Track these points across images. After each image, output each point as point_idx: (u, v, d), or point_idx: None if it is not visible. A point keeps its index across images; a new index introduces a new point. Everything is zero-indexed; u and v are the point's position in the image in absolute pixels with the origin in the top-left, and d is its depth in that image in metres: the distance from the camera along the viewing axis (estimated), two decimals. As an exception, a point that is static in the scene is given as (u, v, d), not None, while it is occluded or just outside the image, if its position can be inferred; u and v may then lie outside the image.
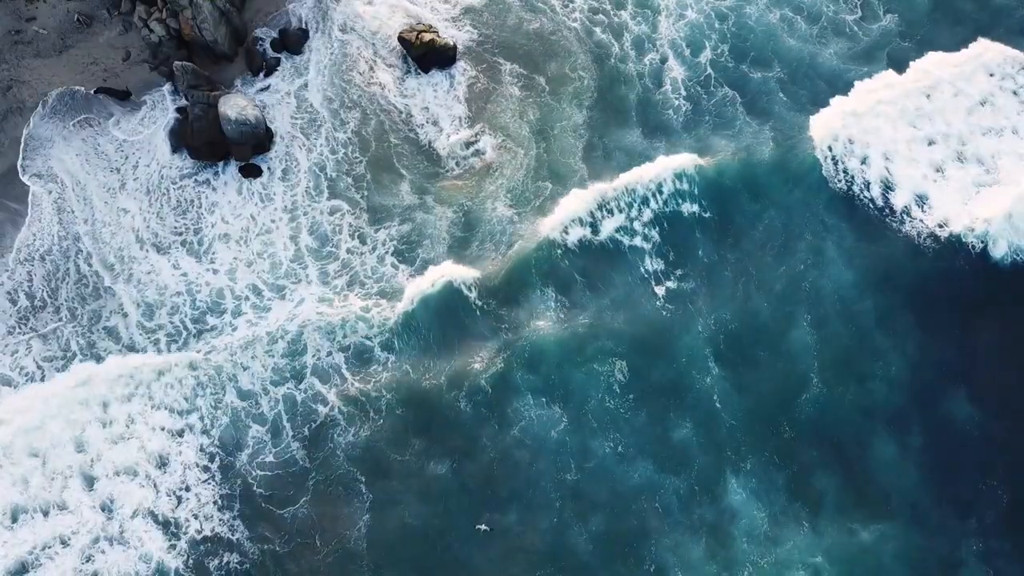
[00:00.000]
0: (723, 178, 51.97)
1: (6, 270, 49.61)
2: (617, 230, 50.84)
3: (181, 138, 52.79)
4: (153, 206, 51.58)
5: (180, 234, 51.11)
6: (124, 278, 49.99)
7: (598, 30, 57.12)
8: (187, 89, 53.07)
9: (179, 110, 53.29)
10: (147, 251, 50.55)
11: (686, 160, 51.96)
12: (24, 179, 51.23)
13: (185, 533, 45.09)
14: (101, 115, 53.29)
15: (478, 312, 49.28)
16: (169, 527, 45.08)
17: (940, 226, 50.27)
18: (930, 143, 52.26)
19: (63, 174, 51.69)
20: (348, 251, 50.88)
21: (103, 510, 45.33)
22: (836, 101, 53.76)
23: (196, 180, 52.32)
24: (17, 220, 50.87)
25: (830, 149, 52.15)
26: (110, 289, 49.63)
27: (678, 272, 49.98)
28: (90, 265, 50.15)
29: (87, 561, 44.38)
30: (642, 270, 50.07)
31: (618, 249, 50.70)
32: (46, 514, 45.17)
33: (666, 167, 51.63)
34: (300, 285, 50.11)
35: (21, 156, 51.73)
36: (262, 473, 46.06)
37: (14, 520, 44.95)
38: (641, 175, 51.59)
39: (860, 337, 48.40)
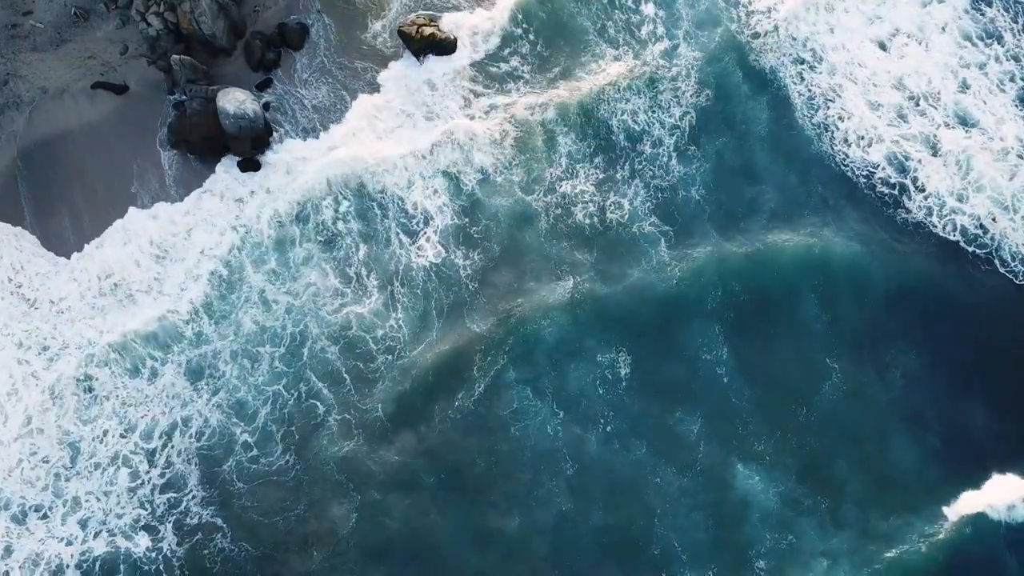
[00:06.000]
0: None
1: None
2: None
3: (178, 134, 52.30)
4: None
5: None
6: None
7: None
8: (185, 84, 52.69)
9: (176, 105, 52.83)
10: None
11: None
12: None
13: (170, 525, 45.46)
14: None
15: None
16: (156, 516, 45.49)
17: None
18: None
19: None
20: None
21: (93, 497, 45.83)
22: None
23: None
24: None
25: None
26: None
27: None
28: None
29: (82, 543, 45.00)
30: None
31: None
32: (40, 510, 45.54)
33: None
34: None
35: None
36: (249, 480, 46.16)
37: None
38: None
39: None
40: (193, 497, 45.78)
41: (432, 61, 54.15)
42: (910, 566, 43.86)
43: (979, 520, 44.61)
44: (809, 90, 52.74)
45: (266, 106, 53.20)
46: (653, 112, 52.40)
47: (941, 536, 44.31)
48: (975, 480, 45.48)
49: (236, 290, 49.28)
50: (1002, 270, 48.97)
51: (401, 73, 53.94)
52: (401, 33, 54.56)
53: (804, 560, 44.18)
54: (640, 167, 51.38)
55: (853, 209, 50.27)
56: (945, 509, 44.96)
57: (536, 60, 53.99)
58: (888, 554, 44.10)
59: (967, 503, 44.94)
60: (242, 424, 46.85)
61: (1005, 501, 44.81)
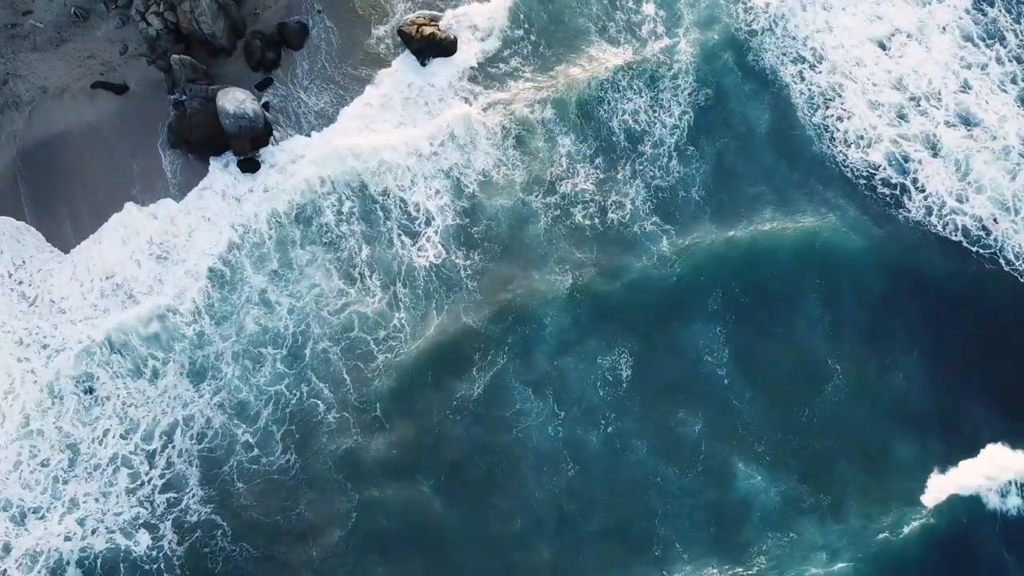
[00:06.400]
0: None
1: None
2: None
3: (178, 133, 52.24)
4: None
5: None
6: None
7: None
8: (185, 83, 52.61)
9: (176, 105, 52.76)
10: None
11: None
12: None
13: (170, 523, 45.67)
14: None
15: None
16: (156, 515, 45.72)
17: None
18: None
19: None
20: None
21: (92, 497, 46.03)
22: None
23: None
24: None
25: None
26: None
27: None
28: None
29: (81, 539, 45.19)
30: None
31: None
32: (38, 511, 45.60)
33: None
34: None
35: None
36: (249, 479, 46.29)
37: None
38: None
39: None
40: (193, 496, 45.85)
41: (432, 61, 54.12)
42: (908, 557, 44.17)
43: (976, 511, 45.00)
44: (809, 89, 52.74)
45: (266, 106, 53.16)
46: (654, 111, 52.40)
47: (939, 526, 44.61)
48: (972, 473, 45.62)
49: (238, 290, 49.28)
50: (1007, 268, 49.08)
51: (401, 73, 53.88)
52: (401, 33, 54.52)
53: (804, 555, 44.31)
54: (641, 167, 51.38)
55: (854, 209, 50.28)
56: (944, 502, 45.16)
57: (537, 59, 53.97)
58: (887, 547, 44.26)
59: (963, 492, 45.31)
60: (243, 425, 46.88)
61: (1000, 491, 45.11)
